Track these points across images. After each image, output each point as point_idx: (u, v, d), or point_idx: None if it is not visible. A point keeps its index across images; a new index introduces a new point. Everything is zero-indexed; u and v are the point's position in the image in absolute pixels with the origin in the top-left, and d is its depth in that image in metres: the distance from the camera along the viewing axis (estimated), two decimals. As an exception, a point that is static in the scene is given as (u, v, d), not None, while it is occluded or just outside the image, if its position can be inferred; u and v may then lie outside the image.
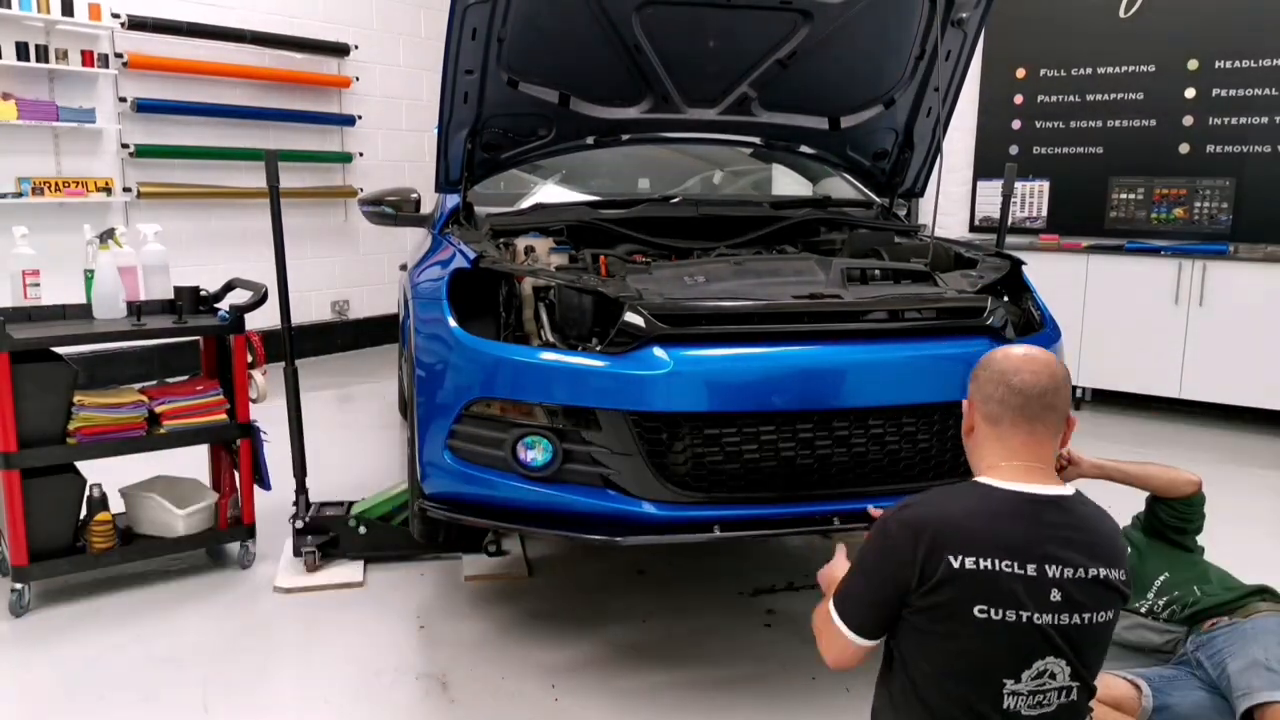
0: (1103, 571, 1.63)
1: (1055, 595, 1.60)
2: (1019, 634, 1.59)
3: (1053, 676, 1.61)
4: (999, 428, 1.70)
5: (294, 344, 3.26)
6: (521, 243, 2.94)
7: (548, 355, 2.38)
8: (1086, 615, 1.61)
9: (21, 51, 5.13)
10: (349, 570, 3.17)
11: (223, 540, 3.29)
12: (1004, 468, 1.68)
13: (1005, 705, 1.61)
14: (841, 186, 4.05)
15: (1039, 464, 1.68)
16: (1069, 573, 1.60)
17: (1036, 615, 1.59)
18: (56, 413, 2.86)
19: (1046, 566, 1.60)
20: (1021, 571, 1.59)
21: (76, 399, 2.89)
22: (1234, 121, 5.37)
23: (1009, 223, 4.71)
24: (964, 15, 3.17)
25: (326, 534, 3.20)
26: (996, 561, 1.59)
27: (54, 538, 2.92)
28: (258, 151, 6.06)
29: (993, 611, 1.58)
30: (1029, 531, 1.62)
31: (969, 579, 1.58)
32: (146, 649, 2.72)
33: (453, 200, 3.41)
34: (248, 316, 3.14)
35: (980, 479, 1.70)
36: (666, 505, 2.32)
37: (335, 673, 2.58)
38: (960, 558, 1.59)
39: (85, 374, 3.10)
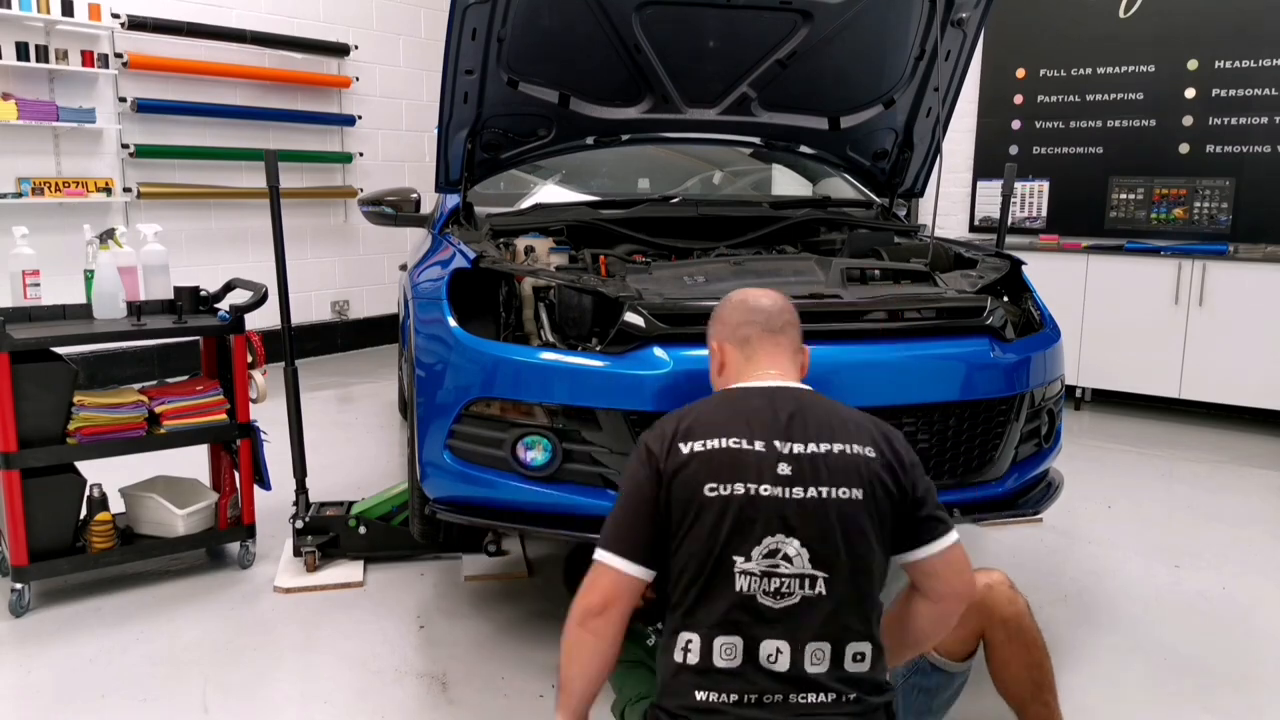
0: (839, 447, 1.62)
1: (783, 469, 1.60)
2: (747, 507, 1.59)
3: (787, 560, 1.57)
4: (748, 347, 1.82)
5: (294, 344, 3.26)
6: (521, 243, 2.94)
7: (547, 355, 2.38)
8: (821, 490, 1.59)
9: (21, 51, 5.13)
10: (349, 570, 3.17)
11: (223, 540, 3.29)
12: (749, 376, 1.79)
13: (738, 586, 1.57)
14: (841, 186, 4.05)
15: (779, 370, 1.79)
16: (799, 448, 1.62)
17: (762, 487, 1.59)
18: (56, 413, 2.86)
19: (776, 442, 1.62)
20: (750, 446, 1.62)
21: (76, 399, 2.89)
22: (1234, 121, 5.37)
23: (1009, 223, 4.72)
24: (964, 15, 3.17)
25: (326, 534, 3.20)
26: (724, 440, 1.63)
27: (54, 538, 2.92)
28: (258, 151, 6.06)
29: (722, 488, 1.59)
30: (761, 413, 1.68)
31: (699, 461, 1.61)
32: (146, 649, 2.72)
33: (453, 200, 3.42)
34: (248, 317, 3.14)
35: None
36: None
37: (335, 672, 2.58)
38: (690, 444, 1.63)
39: (85, 374, 3.10)
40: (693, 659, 1.58)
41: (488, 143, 3.24)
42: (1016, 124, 6.09)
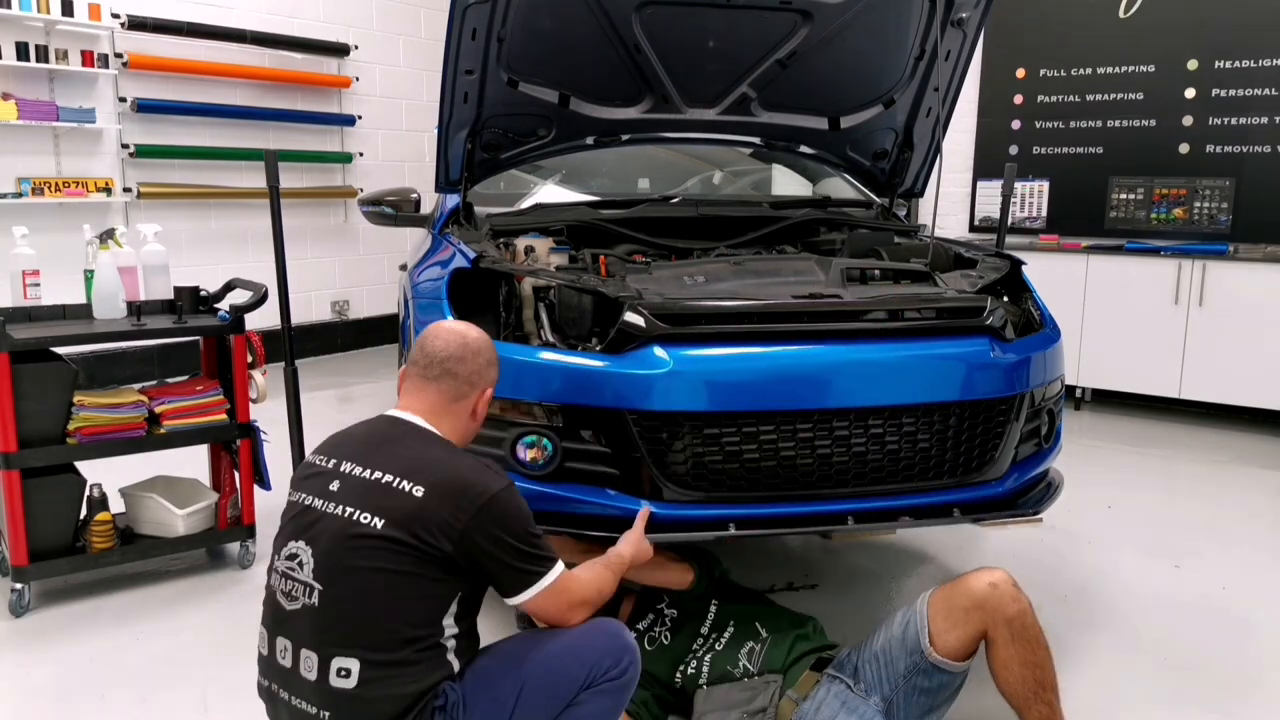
0: (388, 477, 1.68)
1: (334, 485, 1.72)
2: (298, 514, 1.74)
3: (300, 565, 1.68)
4: (408, 381, 1.90)
5: (294, 344, 3.27)
6: (521, 243, 2.94)
7: (547, 355, 2.38)
8: (350, 510, 1.66)
9: (21, 51, 5.13)
10: (349, 570, 3.16)
11: (223, 540, 3.29)
12: (393, 408, 1.89)
13: (267, 581, 1.75)
14: (841, 186, 4.05)
15: (414, 409, 1.84)
16: (357, 470, 1.72)
17: (309, 498, 1.73)
18: (56, 413, 2.86)
19: (344, 463, 1.75)
20: (325, 465, 1.77)
21: (76, 399, 2.89)
22: (1234, 121, 5.37)
23: (1009, 223, 4.71)
24: (964, 15, 3.17)
25: (326, 534, 3.20)
26: (317, 456, 1.81)
27: (54, 538, 2.92)
28: (258, 151, 6.06)
29: (298, 496, 1.77)
30: (358, 436, 1.82)
31: (299, 474, 1.82)
32: (146, 649, 2.72)
33: (453, 200, 3.41)
34: (248, 317, 3.14)
35: None
36: (667, 505, 2.32)
37: (335, 673, 2.58)
38: (309, 456, 1.84)
39: (85, 374, 3.10)
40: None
41: (488, 143, 3.24)
42: (1016, 124, 6.09)
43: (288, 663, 1.66)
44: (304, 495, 1.76)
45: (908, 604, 2.15)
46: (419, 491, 1.65)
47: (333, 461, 1.76)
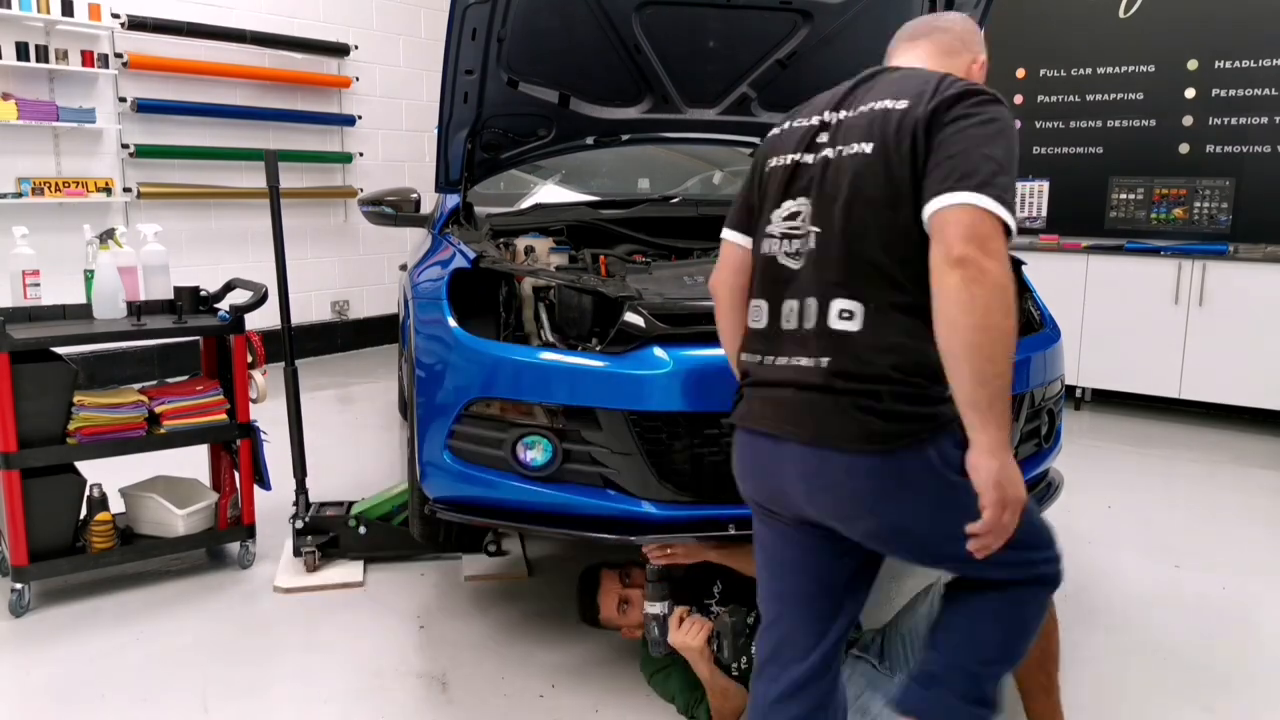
0: (870, 105, 1.58)
1: (822, 137, 1.63)
2: (783, 175, 1.66)
3: (801, 220, 1.60)
4: (888, 57, 1.82)
5: (294, 344, 3.27)
6: (521, 243, 2.95)
7: (547, 355, 2.38)
8: (839, 149, 1.58)
9: (21, 51, 5.13)
10: (349, 570, 3.17)
11: (223, 540, 3.29)
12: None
13: (764, 249, 1.67)
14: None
15: (904, 62, 1.74)
16: (840, 115, 1.63)
17: (800, 156, 1.65)
18: (56, 413, 2.86)
19: (826, 113, 1.66)
20: (807, 122, 1.68)
21: (76, 399, 2.89)
22: (1234, 121, 5.37)
23: (1009, 223, 4.72)
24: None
25: (326, 534, 3.20)
26: (794, 120, 1.73)
27: (54, 538, 2.92)
28: (258, 151, 6.06)
29: (773, 159, 1.70)
30: (835, 90, 1.71)
31: (769, 140, 1.75)
32: (146, 649, 2.72)
33: (453, 200, 3.42)
34: (248, 317, 3.14)
35: None
36: (667, 505, 2.32)
37: (335, 673, 2.58)
38: (776, 127, 1.77)
39: (85, 374, 3.10)
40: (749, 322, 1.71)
41: (488, 143, 3.24)
42: (1016, 124, 6.08)
43: (792, 324, 1.58)
44: (787, 155, 1.66)
45: (932, 583, 2.15)
46: (902, 104, 1.53)
47: (815, 118, 1.67)
